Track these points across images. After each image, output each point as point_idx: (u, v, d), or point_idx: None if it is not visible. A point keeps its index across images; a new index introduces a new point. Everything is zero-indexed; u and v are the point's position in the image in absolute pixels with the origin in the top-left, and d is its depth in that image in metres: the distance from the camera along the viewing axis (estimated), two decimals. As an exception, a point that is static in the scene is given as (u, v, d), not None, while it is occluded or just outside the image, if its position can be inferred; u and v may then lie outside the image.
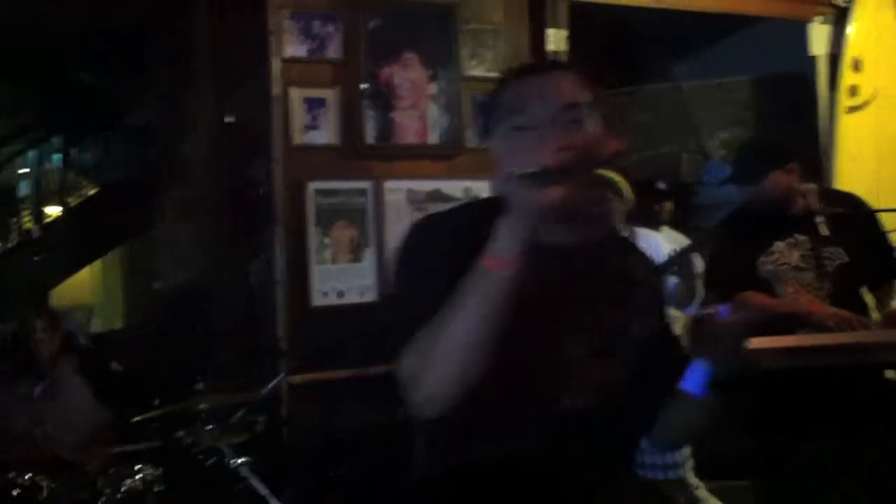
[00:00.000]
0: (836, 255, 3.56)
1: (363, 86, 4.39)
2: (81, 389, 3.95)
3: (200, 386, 3.47)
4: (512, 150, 1.70)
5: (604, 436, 1.77)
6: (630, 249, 1.98)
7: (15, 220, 11.49)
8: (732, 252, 3.68)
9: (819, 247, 3.57)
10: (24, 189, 11.43)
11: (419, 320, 1.63)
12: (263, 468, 3.50)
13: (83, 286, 10.64)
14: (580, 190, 1.58)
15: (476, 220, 1.69)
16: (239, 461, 3.29)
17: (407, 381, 1.64)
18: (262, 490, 3.22)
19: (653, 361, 1.83)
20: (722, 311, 1.72)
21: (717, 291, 3.71)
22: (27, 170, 10.80)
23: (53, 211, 9.54)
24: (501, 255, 1.56)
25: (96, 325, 9.61)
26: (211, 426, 3.35)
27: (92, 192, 8.50)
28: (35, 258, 8.14)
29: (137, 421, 3.45)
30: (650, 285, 1.93)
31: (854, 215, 3.62)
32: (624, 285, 1.85)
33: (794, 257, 3.59)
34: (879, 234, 3.68)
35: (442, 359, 1.60)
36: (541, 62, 1.99)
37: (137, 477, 3.27)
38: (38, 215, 9.93)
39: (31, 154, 10.31)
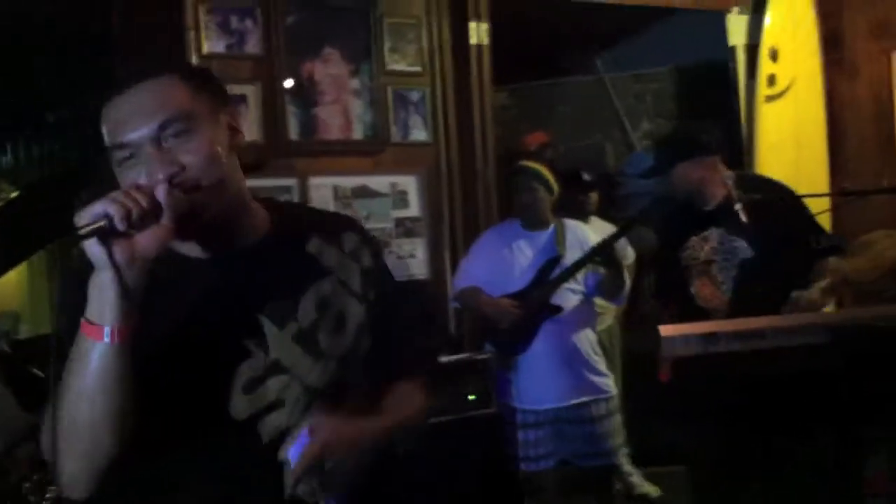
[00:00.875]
0: (741, 250, 3.60)
1: (289, 82, 4.36)
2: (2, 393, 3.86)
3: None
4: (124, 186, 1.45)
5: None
6: (324, 226, 1.72)
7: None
8: (658, 245, 3.74)
9: (727, 241, 3.61)
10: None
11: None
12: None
13: (10, 291, 10.39)
14: (184, 217, 1.41)
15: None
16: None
17: (49, 458, 1.42)
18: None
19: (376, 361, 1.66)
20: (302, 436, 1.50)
21: (652, 281, 3.78)
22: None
23: (-29, 215, 9.30)
24: (96, 320, 1.36)
25: (25, 331, 9.40)
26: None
27: (12, 194, 8.29)
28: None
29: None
30: (351, 264, 1.68)
31: (773, 201, 3.64)
32: (306, 279, 1.62)
33: (704, 251, 3.65)
34: (803, 218, 3.68)
35: (70, 443, 1.38)
36: (130, 73, 1.55)
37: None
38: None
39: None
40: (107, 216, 1.34)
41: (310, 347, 1.58)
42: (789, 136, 5.86)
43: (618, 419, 4.22)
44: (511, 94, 6.25)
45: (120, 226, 1.34)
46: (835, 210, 5.87)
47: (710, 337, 2.68)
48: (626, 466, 4.89)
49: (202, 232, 1.52)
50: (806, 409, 2.66)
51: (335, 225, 1.73)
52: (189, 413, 1.48)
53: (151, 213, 1.37)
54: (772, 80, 5.76)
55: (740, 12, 5.91)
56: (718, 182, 3.64)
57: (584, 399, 4.12)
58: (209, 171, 1.48)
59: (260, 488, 1.52)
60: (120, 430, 1.38)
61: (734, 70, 5.91)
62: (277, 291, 1.59)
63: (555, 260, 4.10)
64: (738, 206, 3.52)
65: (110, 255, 1.34)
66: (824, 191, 5.77)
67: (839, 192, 5.68)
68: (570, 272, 4.02)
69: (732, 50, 5.92)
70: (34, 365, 4.10)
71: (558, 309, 4.07)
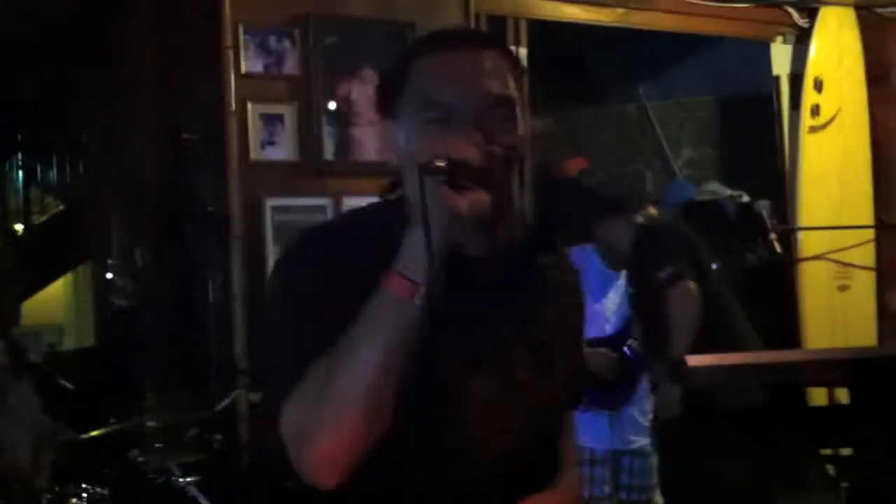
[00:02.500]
0: None
1: (332, 105, 4.38)
2: (28, 404, 3.91)
3: (150, 403, 3.43)
4: (423, 145, 1.36)
5: (512, 478, 1.48)
6: (548, 253, 1.62)
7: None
8: None
9: None
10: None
11: (305, 359, 1.32)
12: (220, 487, 3.46)
13: (55, 304, 10.55)
14: (498, 193, 1.35)
15: (380, 228, 1.41)
16: (187, 480, 3.25)
17: (291, 442, 1.33)
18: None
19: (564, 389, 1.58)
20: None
21: None
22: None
23: (18, 227, 9.46)
24: (412, 276, 1.28)
25: (68, 344, 9.52)
26: (160, 444, 3.31)
27: (57, 209, 8.44)
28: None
29: (86, 438, 3.41)
30: (569, 298, 1.62)
31: None
32: (539, 300, 1.54)
33: None
34: None
35: (339, 412, 1.28)
36: (457, 33, 1.54)
37: (84, 495, 3.22)
38: (5, 233, 9.85)
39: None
40: (451, 161, 1.27)
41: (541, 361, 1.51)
42: (833, 168, 5.79)
43: (655, 456, 4.15)
44: (551, 121, 6.24)
45: (462, 175, 1.28)
46: (878, 242, 5.80)
47: (738, 369, 2.63)
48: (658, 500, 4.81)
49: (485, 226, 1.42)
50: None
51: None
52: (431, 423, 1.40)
53: (482, 177, 1.31)
54: (816, 110, 5.71)
55: (785, 42, 5.87)
56: None
57: (642, 439, 4.03)
58: (520, 160, 1.44)
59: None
60: (394, 404, 1.30)
61: (778, 100, 5.86)
62: (525, 298, 1.52)
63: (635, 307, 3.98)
64: (772, 237, 3.51)
65: (442, 205, 1.27)
66: (868, 223, 5.70)
67: (880, 225, 5.60)
68: None
69: (776, 79, 5.87)
70: (67, 377, 4.16)
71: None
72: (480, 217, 1.32)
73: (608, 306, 3.98)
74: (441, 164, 1.27)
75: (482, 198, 1.31)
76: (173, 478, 3.26)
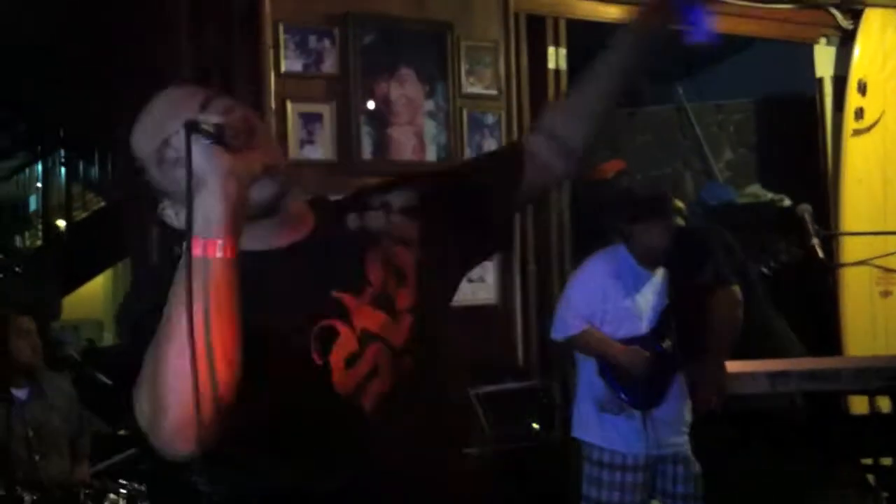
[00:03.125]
0: None
1: (370, 104, 4.39)
2: (67, 396, 3.94)
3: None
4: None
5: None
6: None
7: (26, 233, 11.55)
8: None
9: None
10: (33, 204, 11.50)
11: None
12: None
13: (95, 300, 10.68)
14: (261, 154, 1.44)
15: None
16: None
17: (142, 420, 1.36)
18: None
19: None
20: None
21: None
22: (38, 184, 10.87)
23: (61, 223, 9.59)
24: (205, 234, 1.33)
25: (107, 339, 9.64)
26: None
27: (98, 206, 8.53)
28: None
29: (123, 434, 3.43)
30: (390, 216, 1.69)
31: None
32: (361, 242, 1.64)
33: None
34: None
35: (172, 379, 1.30)
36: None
37: (122, 491, 3.23)
38: (47, 229, 9.97)
39: (38, 168, 10.38)
40: (218, 126, 1.36)
41: (387, 307, 1.60)
42: (876, 171, 5.71)
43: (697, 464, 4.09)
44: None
45: (229, 138, 1.36)
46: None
47: (779, 375, 2.61)
48: None
49: (261, 223, 1.53)
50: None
51: (373, 195, 1.76)
52: (293, 399, 1.46)
53: (248, 137, 1.41)
54: (859, 113, 5.63)
55: (828, 43, 5.80)
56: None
57: (679, 444, 3.97)
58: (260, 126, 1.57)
59: (369, 457, 1.54)
60: (232, 364, 1.33)
61: (821, 102, 5.79)
62: (343, 267, 1.61)
63: (670, 307, 3.89)
64: (814, 242, 3.48)
65: (218, 163, 1.34)
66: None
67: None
68: None
69: (819, 82, 5.80)
70: (105, 372, 4.18)
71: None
72: (253, 174, 1.41)
73: (641, 304, 3.94)
74: (208, 127, 1.35)
75: (251, 156, 1.41)
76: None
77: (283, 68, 4.25)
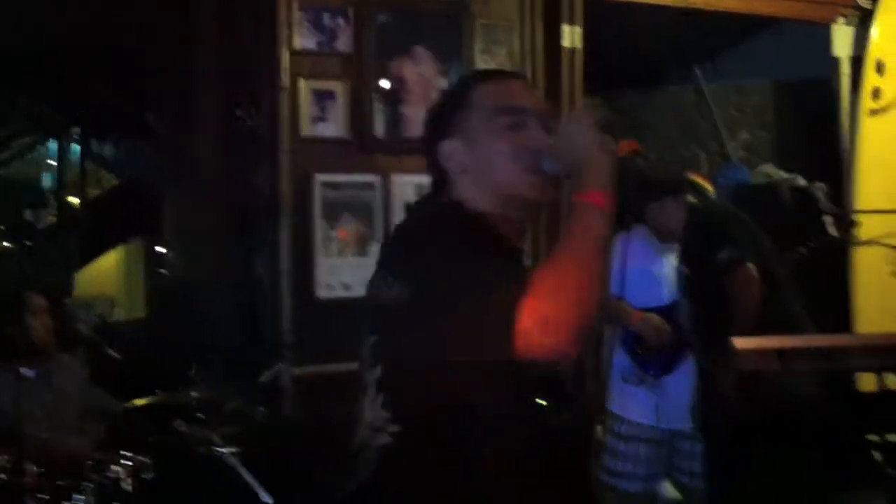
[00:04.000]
0: None
1: (385, 83, 4.38)
2: (75, 373, 3.96)
3: (195, 375, 3.46)
4: (512, 144, 1.80)
5: None
6: None
7: (41, 211, 11.61)
8: None
9: None
10: (47, 181, 11.55)
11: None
12: (261, 460, 3.49)
13: (106, 277, 10.73)
14: None
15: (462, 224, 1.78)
16: (228, 451, 3.27)
17: (535, 325, 1.57)
18: (251, 480, 3.21)
19: None
20: None
21: None
22: (51, 162, 10.91)
23: (75, 201, 9.63)
24: (601, 190, 1.67)
25: (119, 315, 9.69)
26: (203, 415, 3.34)
27: (112, 184, 8.56)
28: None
29: (131, 408, 3.45)
30: None
31: None
32: None
33: None
34: None
35: (573, 297, 1.59)
36: (498, 69, 2.16)
37: (126, 464, 3.25)
38: (62, 206, 10.00)
39: (52, 146, 10.41)
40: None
41: None
42: (893, 151, 5.66)
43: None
44: (604, 101, 6.17)
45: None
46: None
47: (788, 352, 2.59)
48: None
49: None
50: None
51: None
52: None
53: None
54: (877, 93, 5.58)
55: (846, 23, 5.74)
56: None
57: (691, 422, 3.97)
58: None
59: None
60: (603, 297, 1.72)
61: (837, 82, 5.74)
62: None
63: (689, 280, 3.93)
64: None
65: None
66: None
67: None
68: None
69: (836, 62, 5.75)
70: (116, 348, 4.22)
71: None
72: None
73: (661, 276, 3.95)
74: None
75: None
76: (214, 448, 3.29)
77: (296, 46, 4.23)
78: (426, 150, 1.90)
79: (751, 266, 3.75)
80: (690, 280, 3.86)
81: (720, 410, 3.58)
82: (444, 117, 1.89)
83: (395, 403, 1.74)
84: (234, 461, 3.25)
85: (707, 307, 3.74)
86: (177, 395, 3.38)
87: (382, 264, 1.83)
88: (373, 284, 1.82)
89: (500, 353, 1.59)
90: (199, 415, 3.35)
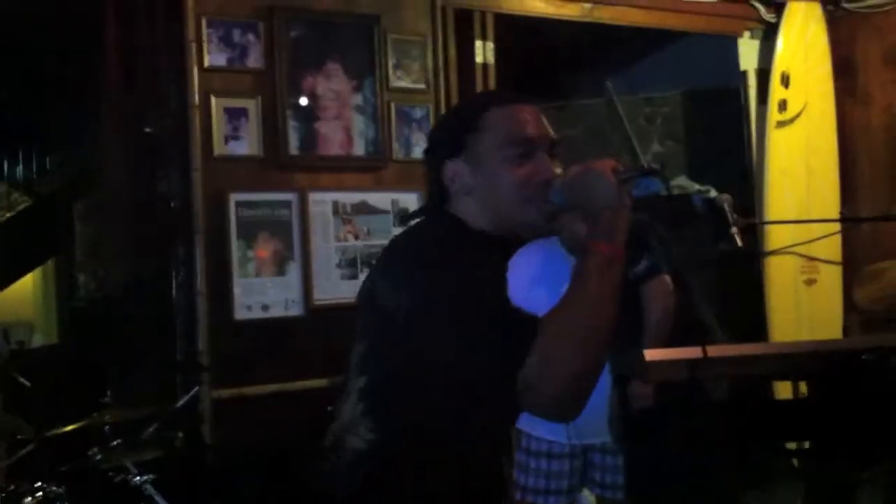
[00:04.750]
0: None
1: (302, 100, 4.36)
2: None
3: (108, 399, 3.38)
4: (517, 176, 1.81)
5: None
6: None
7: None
8: None
9: None
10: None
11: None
12: (179, 485, 3.44)
13: (24, 301, 10.46)
14: None
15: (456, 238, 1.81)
16: (144, 478, 3.21)
17: (534, 378, 1.62)
18: (168, 507, 3.15)
19: None
20: None
21: None
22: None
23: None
24: (612, 241, 1.73)
25: (38, 340, 9.45)
26: (118, 441, 3.27)
27: (25, 205, 8.36)
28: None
29: (46, 436, 3.36)
30: None
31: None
32: None
33: None
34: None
35: (574, 350, 1.64)
36: (512, 93, 1.94)
37: (38, 494, 3.16)
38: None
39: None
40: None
41: None
42: (800, 162, 5.81)
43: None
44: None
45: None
46: (845, 238, 5.83)
47: (699, 362, 2.62)
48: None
49: None
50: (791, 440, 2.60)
51: None
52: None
53: None
54: (783, 105, 5.73)
55: (752, 37, 5.89)
56: None
57: (606, 435, 3.98)
58: None
59: None
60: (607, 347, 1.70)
61: (745, 95, 5.87)
62: None
63: None
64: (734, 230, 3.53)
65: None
66: (834, 217, 5.72)
67: (845, 219, 5.62)
68: None
69: (744, 74, 5.89)
70: (34, 374, 4.10)
71: None
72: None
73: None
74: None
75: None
76: (130, 476, 3.22)
77: (206, 63, 4.19)
78: (430, 165, 1.89)
79: (666, 277, 3.81)
80: None
81: (637, 421, 3.61)
82: (453, 136, 1.88)
83: (375, 414, 1.75)
84: (150, 489, 3.18)
85: (621, 318, 3.77)
86: (91, 421, 3.30)
87: (379, 273, 1.85)
88: (365, 291, 1.83)
89: (492, 375, 1.65)
90: (114, 442, 3.27)
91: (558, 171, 1.83)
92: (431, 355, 1.68)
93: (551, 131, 1.88)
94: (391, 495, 1.73)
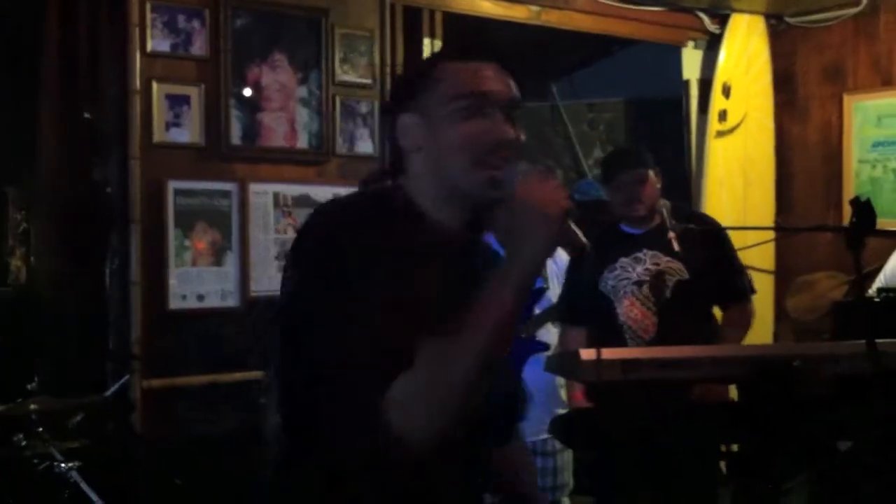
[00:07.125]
0: (677, 271, 3.66)
1: (246, 90, 4.32)
2: None
3: (33, 387, 3.31)
4: (463, 130, 1.63)
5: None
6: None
7: None
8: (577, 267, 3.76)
9: (662, 262, 3.67)
10: None
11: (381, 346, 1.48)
12: (108, 475, 3.38)
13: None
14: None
15: (377, 215, 1.62)
16: (69, 465, 3.15)
17: (397, 416, 1.46)
18: (94, 497, 3.09)
19: None
20: None
21: (563, 304, 3.79)
22: None
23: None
24: (518, 295, 1.52)
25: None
26: (42, 429, 3.21)
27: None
28: None
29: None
30: None
31: (704, 233, 3.73)
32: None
33: (637, 272, 3.69)
34: (729, 254, 3.83)
35: (449, 389, 1.47)
36: (471, 47, 1.74)
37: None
38: None
39: None
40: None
41: None
42: (738, 172, 5.90)
43: (569, 454, 4.14)
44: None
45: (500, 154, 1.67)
46: (778, 248, 5.93)
47: (631, 363, 2.64)
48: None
49: None
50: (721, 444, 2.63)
51: None
52: None
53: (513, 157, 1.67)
54: (723, 115, 5.80)
55: (696, 47, 5.96)
56: (654, 196, 3.73)
57: (544, 434, 3.96)
58: None
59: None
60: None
61: (687, 104, 5.94)
62: None
63: (540, 292, 3.87)
64: (670, 235, 3.57)
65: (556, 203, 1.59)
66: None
67: (779, 228, 5.72)
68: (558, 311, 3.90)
69: (686, 83, 5.96)
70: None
71: (545, 346, 3.77)
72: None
73: None
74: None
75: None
76: (55, 463, 3.16)
77: (149, 48, 4.13)
78: (385, 123, 1.76)
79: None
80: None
81: (577, 423, 3.63)
82: (407, 87, 1.73)
83: (282, 409, 1.63)
84: (76, 477, 3.12)
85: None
86: (16, 408, 3.22)
87: (293, 254, 1.65)
88: (284, 274, 1.66)
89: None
90: (39, 429, 3.21)
91: (515, 134, 1.65)
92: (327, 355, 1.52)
93: (514, 90, 1.69)
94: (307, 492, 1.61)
